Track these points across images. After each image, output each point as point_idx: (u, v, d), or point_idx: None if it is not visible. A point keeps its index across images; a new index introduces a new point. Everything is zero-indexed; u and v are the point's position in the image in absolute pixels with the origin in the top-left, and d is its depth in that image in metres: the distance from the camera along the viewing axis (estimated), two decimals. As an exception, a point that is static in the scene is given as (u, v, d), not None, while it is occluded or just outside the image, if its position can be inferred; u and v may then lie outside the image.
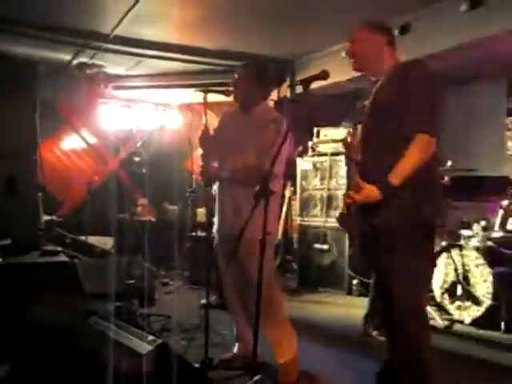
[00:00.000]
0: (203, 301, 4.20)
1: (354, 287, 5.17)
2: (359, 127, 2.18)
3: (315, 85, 2.13)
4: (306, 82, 2.11)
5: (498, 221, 4.16)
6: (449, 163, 4.13)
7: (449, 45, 4.22)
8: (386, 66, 2.20)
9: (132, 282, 4.03)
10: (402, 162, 2.00)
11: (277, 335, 2.66)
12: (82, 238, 5.46)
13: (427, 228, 2.14)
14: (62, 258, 3.92)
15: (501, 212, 4.14)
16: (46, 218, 5.12)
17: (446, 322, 3.89)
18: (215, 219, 2.88)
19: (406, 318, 2.09)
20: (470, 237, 4.14)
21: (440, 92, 2.11)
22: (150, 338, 2.38)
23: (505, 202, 4.15)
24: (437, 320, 3.91)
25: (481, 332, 3.75)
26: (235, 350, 3.05)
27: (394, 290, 2.10)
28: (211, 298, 4.18)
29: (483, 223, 4.13)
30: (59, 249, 4.16)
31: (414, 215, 2.06)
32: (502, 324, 3.67)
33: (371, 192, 2.03)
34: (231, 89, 2.80)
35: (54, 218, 5.65)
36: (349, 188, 2.31)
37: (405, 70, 2.11)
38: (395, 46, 2.27)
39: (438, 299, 4.11)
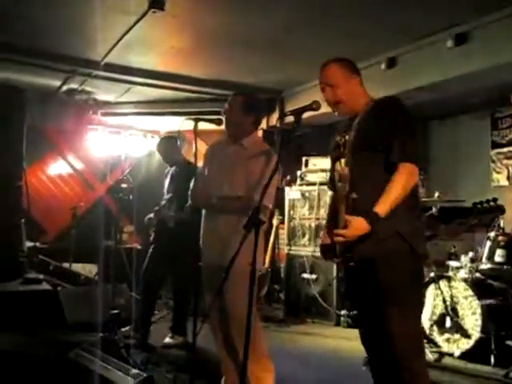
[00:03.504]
0: (166, 340, 4.12)
1: (342, 318, 5.11)
2: (342, 161, 2.14)
3: (305, 115, 2.15)
4: (298, 113, 2.13)
5: (485, 252, 4.17)
6: (436, 194, 4.16)
7: (434, 79, 4.31)
8: (362, 102, 2.22)
9: (116, 311, 3.93)
10: (388, 191, 2.00)
11: (257, 371, 2.60)
12: (66, 265, 5.36)
13: (419, 258, 2.12)
14: (45, 286, 3.83)
15: (488, 243, 4.15)
16: (29, 244, 5.02)
17: (436, 355, 3.85)
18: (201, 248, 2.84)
19: (411, 356, 2.02)
20: (458, 268, 4.14)
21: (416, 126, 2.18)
22: (134, 371, 2.31)
23: (492, 234, 4.17)
24: (426, 353, 3.85)
25: (470, 366, 3.70)
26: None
27: (395, 329, 2.00)
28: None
29: (471, 254, 4.14)
30: (42, 277, 4.07)
31: (402, 245, 2.04)
32: (492, 357, 3.64)
33: (360, 224, 1.98)
34: (222, 117, 2.80)
35: (38, 244, 5.55)
36: (331, 221, 2.25)
37: (385, 106, 2.16)
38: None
39: (427, 331, 4.07)
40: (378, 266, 2.04)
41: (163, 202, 4.22)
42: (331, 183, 2.33)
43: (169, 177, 4.30)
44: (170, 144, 4.33)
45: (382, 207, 1.99)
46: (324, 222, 5.40)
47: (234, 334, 2.58)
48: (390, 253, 2.03)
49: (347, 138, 2.19)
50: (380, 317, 2.06)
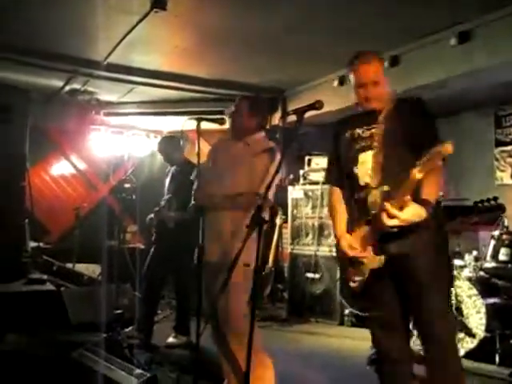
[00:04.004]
0: (170, 340, 4.12)
1: (346, 317, 5.11)
2: (369, 153, 2.16)
3: (307, 114, 2.14)
4: (300, 112, 2.12)
5: (489, 251, 4.15)
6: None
7: (437, 77, 4.30)
8: (387, 96, 2.23)
9: (120, 311, 3.93)
10: (432, 186, 2.02)
11: (255, 367, 2.59)
12: (70, 265, 5.36)
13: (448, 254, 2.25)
14: (48, 286, 3.84)
15: (492, 242, 4.13)
16: (32, 244, 5.03)
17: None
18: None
19: (449, 336, 2.15)
20: (462, 267, 4.12)
21: None
22: (138, 371, 2.31)
23: (496, 232, 4.15)
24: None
25: (475, 365, 3.68)
26: None
27: (436, 306, 2.10)
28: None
29: (475, 253, 4.12)
30: (45, 277, 4.08)
31: (440, 239, 2.15)
32: (497, 356, 3.62)
33: (418, 210, 1.96)
34: (225, 117, 2.81)
35: (41, 244, 5.55)
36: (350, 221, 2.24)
37: (418, 106, 2.21)
38: None
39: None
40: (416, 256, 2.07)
41: (162, 203, 4.22)
42: (343, 176, 2.30)
43: (169, 176, 4.31)
44: (170, 144, 4.33)
45: (430, 199, 2.01)
46: (327, 220, 5.41)
47: (226, 331, 2.58)
48: (426, 242, 2.09)
49: (374, 131, 2.18)
50: (421, 301, 2.10)
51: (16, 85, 5.24)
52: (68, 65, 5.01)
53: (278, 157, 2.56)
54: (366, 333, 4.67)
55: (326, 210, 5.46)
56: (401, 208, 1.95)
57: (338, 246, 2.30)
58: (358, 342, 4.43)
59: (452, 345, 2.18)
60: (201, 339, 2.49)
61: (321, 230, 5.48)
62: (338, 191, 2.36)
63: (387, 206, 1.96)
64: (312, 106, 2.11)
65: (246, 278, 2.41)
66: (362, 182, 2.19)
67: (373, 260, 2.13)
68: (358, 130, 2.23)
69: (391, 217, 1.96)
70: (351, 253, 2.17)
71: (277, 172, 2.10)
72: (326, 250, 5.39)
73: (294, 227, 5.76)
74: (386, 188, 2.08)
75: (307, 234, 5.61)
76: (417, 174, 1.89)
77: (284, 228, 5.97)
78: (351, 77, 2.23)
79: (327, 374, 3.61)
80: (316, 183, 5.56)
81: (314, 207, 5.57)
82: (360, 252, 2.15)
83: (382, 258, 2.10)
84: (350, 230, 2.24)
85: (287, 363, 3.04)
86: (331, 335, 4.82)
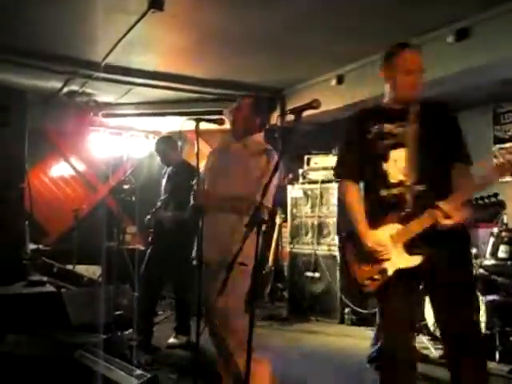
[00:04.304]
0: (171, 340, 4.13)
1: (346, 316, 5.11)
2: (401, 150, 2.15)
3: (306, 113, 2.13)
4: (298, 111, 2.11)
5: (489, 248, 4.15)
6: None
7: (436, 74, 4.29)
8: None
9: (120, 312, 3.93)
10: (467, 191, 2.06)
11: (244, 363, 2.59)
12: (70, 266, 5.36)
13: None
14: (48, 288, 3.84)
15: (492, 239, 4.14)
16: (32, 246, 5.03)
17: (440, 352, 3.83)
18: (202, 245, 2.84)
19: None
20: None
21: None
22: (138, 372, 2.31)
23: (495, 230, 4.15)
24: (431, 350, 3.85)
25: (475, 362, 3.69)
26: None
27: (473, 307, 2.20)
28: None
29: (474, 251, 4.12)
30: (45, 279, 4.08)
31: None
32: (497, 353, 3.63)
33: (467, 214, 2.02)
34: (223, 117, 2.81)
35: (41, 246, 5.55)
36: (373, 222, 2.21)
37: (444, 109, 2.28)
38: None
39: (432, 328, 4.06)
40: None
41: (159, 203, 4.22)
42: (359, 170, 2.27)
43: (166, 177, 4.31)
44: (167, 144, 4.33)
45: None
46: (326, 219, 5.42)
47: (223, 330, 2.58)
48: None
49: (407, 128, 2.17)
50: (462, 301, 2.11)
51: (14, 86, 5.24)
52: (66, 66, 5.02)
53: (276, 158, 2.56)
54: (365, 331, 4.71)
55: (325, 209, 5.47)
56: (454, 209, 1.98)
57: (349, 241, 2.26)
58: (358, 340, 4.44)
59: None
60: (201, 339, 2.49)
61: (320, 229, 5.48)
62: (353, 185, 2.30)
63: (445, 206, 1.98)
64: (309, 105, 2.09)
65: (243, 277, 2.41)
66: (393, 180, 2.15)
67: (406, 259, 2.10)
68: (388, 126, 2.19)
69: (446, 217, 1.98)
70: (380, 250, 2.13)
71: (274, 173, 2.10)
72: (326, 248, 5.40)
73: (293, 226, 5.76)
74: (421, 187, 2.09)
75: (306, 233, 5.61)
76: (480, 179, 2.01)
77: (284, 227, 5.97)
78: (394, 62, 2.19)
79: (327, 372, 3.61)
80: (315, 182, 5.57)
81: (313, 206, 5.57)
82: (389, 250, 2.12)
83: (419, 257, 2.07)
84: (372, 226, 2.19)
85: (287, 362, 3.04)
86: (331, 334, 4.82)
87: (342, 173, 2.36)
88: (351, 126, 2.35)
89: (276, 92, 5.97)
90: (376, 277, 2.17)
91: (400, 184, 2.14)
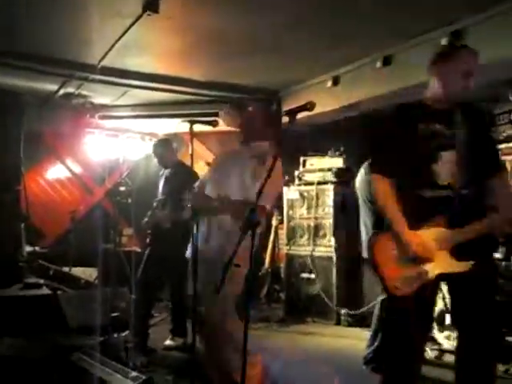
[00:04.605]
0: (167, 342, 4.13)
1: (343, 317, 5.12)
2: (451, 152, 2.12)
3: (301, 114, 2.14)
4: (292, 113, 2.13)
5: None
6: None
7: (429, 77, 4.31)
8: None
9: (116, 314, 3.94)
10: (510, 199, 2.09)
11: (237, 360, 2.60)
12: (66, 269, 5.36)
13: None
14: (45, 290, 3.84)
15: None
16: (28, 249, 5.03)
17: (436, 353, 3.85)
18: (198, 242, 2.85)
19: None
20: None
21: None
22: (134, 374, 2.32)
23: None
24: (426, 350, 3.86)
25: (471, 362, 3.70)
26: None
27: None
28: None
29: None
30: (42, 281, 4.08)
31: None
32: (492, 353, 3.64)
33: None
34: (218, 119, 2.83)
35: (37, 248, 5.55)
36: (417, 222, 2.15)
37: (486, 115, 2.43)
38: None
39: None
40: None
41: (155, 204, 4.23)
42: (396, 167, 2.19)
43: (163, 179, 4.32)
44: (165, 147, 4.35)
45: None
46: (322, 221, 5.44)
47: (212, 329, 2.59)
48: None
49: (456, 130, 2.15)
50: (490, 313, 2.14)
51: (10, 89, 5.24)
52: (62, 69, 5.01)
53: (270, 161, 2.56)
54: (362, 333, 4.72)
55: (321, 211, 5.49)
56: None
57: (381, 240, 2.20)
58: (354, 341, 4.45)
59: None
60: (197, 341, 2.49)
61: (316, 231, 5.49)
62: (388, 183, 2.19)
63: (500, 216, 2.03)
64: (304, 107, 2.10)
65: (238, 277, 2.43)
66: (442, 181, 2.12)
67: (453, 264, 2.07)
68: (438, 125, 2.15)
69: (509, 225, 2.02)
70: (424, 251, 2.09)
71: (269, 175, 2.10)
72: (322, 250, 5.41)
73: (289, 228, 5.77)
74: (465, 191, 2.08)
75: (303, 235, 5.62)
76: None
77: (280, 229, 5.98)
78: (451, 61, 2.17)
79: (324, 373, 3.62)
80: (311, 184, 5.58)
81: (309, 208, 5.58)
82: (433, 252, 2.09)
83: (468, 263, 2.05)
84: (411, 227, 2.13)
85: (284, 363, 3.06)
86: (327, 335, 4.83)
87: (379, 168, 2.24)
88: (393, 122, 2.27)
89: (272, 94, 5.98)
90: (413, 278, 2.09)
91: (448, 186, 2.11)
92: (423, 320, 2.19)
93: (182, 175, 3.99)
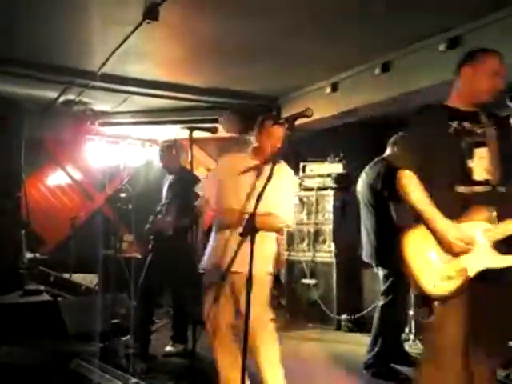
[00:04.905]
0: (167, 348, 4.13)
1: (343, 323, 5.11)
2: (484, 149, 2.13)
3: (300, 121, 2.16)
4: (291, 120, 2.15)
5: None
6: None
7: (428, 82, 4.33)
8: None
9: (117, 321, 3.94)
10: None
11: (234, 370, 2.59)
12: (67, 275, 5.36)
13: None
14: (45, 297, 3.84)
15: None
16: (29, 255, 5.03)
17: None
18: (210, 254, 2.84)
19: None
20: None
21: None
22: (133, 380, 2.32)
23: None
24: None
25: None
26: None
27: None
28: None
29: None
30: (42, 288, 4.08)
31: None
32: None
33: None
34: (217, 126, 2.84)
35: (38, 255, 5.55)
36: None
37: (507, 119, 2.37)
38: None
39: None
40: None
41: (158, 208, 4.23)
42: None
43: (167, 185, 4.33)
44: (169, 152, 4.36)
45: None
46: (322, 226, 5.44)
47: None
48: None
49: (487, 130, 2.17)
50: None
51: (11, 96, 5.27)
52: (63, 76, 5.04)
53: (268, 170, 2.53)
54: (362, 338, 4.72)
55: (321, 216, 5.49)
56: None
57: (412, 239, 2.12)
58: (354, 347, 4.44)
59: None
60: (198, 347, 2.49)
61: (316, 236, 5.50)
62: (418, 179, 2.13)
63: None
64: (302, 114, 2.13)
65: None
66: (478, 177, 2.11)
67: (497, 259, 2.01)
68: (467, 124, 2.17)
69: None
70: (464, 245, 2.01)
71: (267, 183, 2.10)
72: (322, 255, 5.41)
73: (289, 234, 5.77)
74: (502, 189, 2.10)
75: (302, 241, 5.62)
76: None
77: (280, 235, 5.97)
78: (483, 63, 2.22)
79: (324, 379, 3.61)
80: (311, 189, 5.59)
81: (309, 213, 5.59)
82: (474, 247, 2.02)
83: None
84: None
85: (284, 369, 3.04)
86: (328, 340, 4.82)
87: (411, 165, 2.16)
88: (426, 119, 2.26)
89: (271, 100, 6.00)
90: (453, 276, 2.01)
91: (485, 183, 2.11)
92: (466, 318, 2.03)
93: (184, 181, 4.01)
